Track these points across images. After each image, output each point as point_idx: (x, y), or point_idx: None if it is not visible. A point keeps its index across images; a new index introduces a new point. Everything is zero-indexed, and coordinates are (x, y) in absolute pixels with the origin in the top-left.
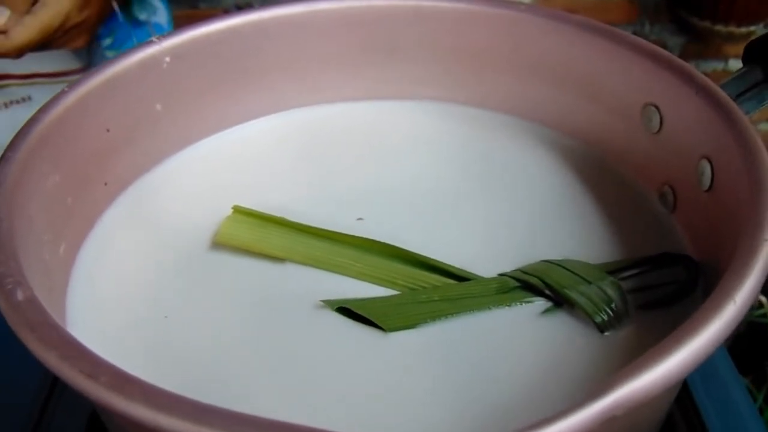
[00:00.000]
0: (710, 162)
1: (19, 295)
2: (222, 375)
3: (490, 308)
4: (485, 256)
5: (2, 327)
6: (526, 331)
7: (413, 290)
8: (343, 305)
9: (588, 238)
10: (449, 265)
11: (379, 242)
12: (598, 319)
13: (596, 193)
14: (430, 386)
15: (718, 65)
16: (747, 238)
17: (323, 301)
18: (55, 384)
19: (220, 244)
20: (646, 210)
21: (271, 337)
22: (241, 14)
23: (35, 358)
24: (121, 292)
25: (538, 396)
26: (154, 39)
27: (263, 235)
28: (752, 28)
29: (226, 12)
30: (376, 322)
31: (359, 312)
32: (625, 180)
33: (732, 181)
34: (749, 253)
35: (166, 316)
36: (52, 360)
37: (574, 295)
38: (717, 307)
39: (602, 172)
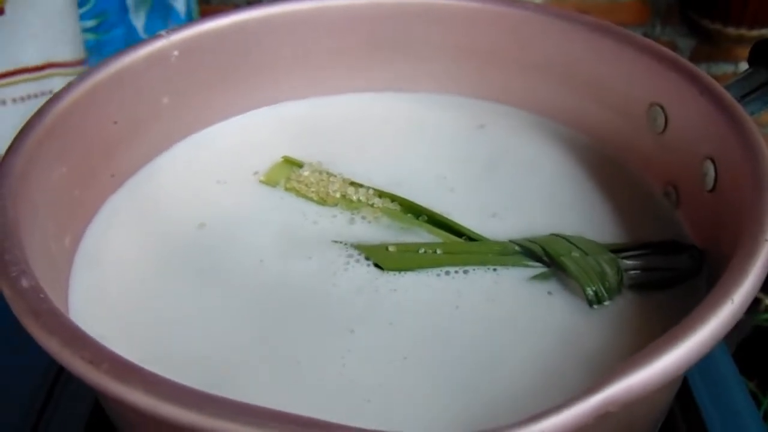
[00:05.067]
0: (714, 162)
1: (24, 283)
2: (222, 359)
3: (486, 266)
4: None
5: (7, 318)
6: (519, 298)
7: (419, 243)
8: (353, 246)
9: (596, 225)
10: (464, 227)
11: (400, 197)
12: (588, 291)
13: (604, 186)
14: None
15: (729, 68)
16: (748, 238)
17: (335, 241)
18: (59, 374)
19: (265, 183)
20: (651, 204)
21: (273, 319)
22: (248, 10)
23: (38, 345)
24: (123, 280)
25: (521, 370)
26: (162, 33)
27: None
28: (764, 31)
29: (237, 7)
30: (376, 262)
31: (363, 252)
32: (632, 175)
33: (735, 182)
34: (749, 253)
35: (166, 304)
36: (54, 347)
37: (568, 262)
38: (715, 305)
39: (610, 167)
